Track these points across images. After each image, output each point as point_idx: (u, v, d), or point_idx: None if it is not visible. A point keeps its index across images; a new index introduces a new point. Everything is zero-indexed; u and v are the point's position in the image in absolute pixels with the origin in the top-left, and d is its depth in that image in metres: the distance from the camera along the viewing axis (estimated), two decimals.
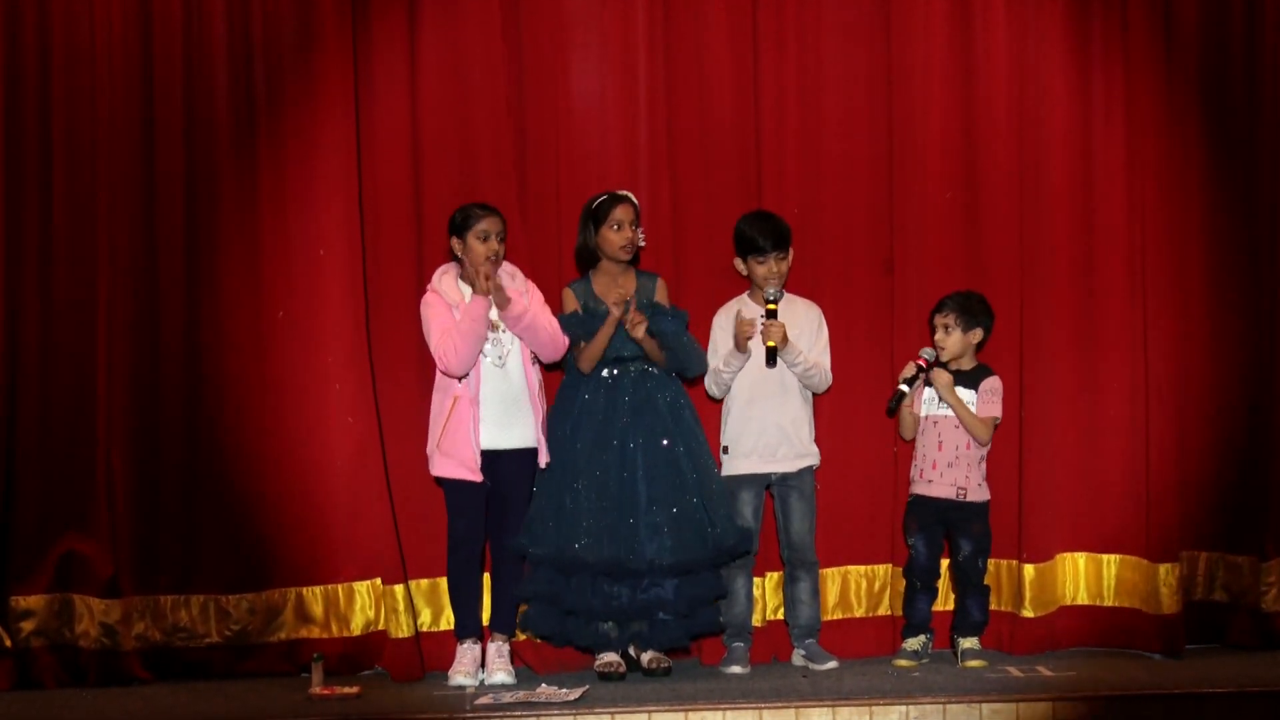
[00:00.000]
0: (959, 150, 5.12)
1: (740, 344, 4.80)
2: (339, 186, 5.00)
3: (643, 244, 4.92)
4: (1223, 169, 5.13)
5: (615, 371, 4.80)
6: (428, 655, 4.92)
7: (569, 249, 5.03)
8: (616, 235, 4.82)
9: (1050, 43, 5.08)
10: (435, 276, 4.81)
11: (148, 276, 5.01)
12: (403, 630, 4.89)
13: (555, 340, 4.74)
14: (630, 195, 4.88)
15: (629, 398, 4.78)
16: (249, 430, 5.00)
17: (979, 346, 4.94)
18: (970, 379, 4.88)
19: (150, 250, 5.02)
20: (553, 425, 4.82)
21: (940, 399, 4.86)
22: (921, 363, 4.83)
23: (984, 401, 4.85)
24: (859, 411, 5.06)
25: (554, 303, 4.90)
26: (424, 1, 5.06)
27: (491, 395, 4.71)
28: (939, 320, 4.89)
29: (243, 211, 5.03)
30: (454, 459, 4.69)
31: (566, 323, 4.80)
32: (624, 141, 5.13)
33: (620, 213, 4.82)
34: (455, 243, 4.76)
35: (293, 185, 5.02)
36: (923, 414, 4.92)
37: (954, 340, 4.88)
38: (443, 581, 4.91)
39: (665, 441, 4.74)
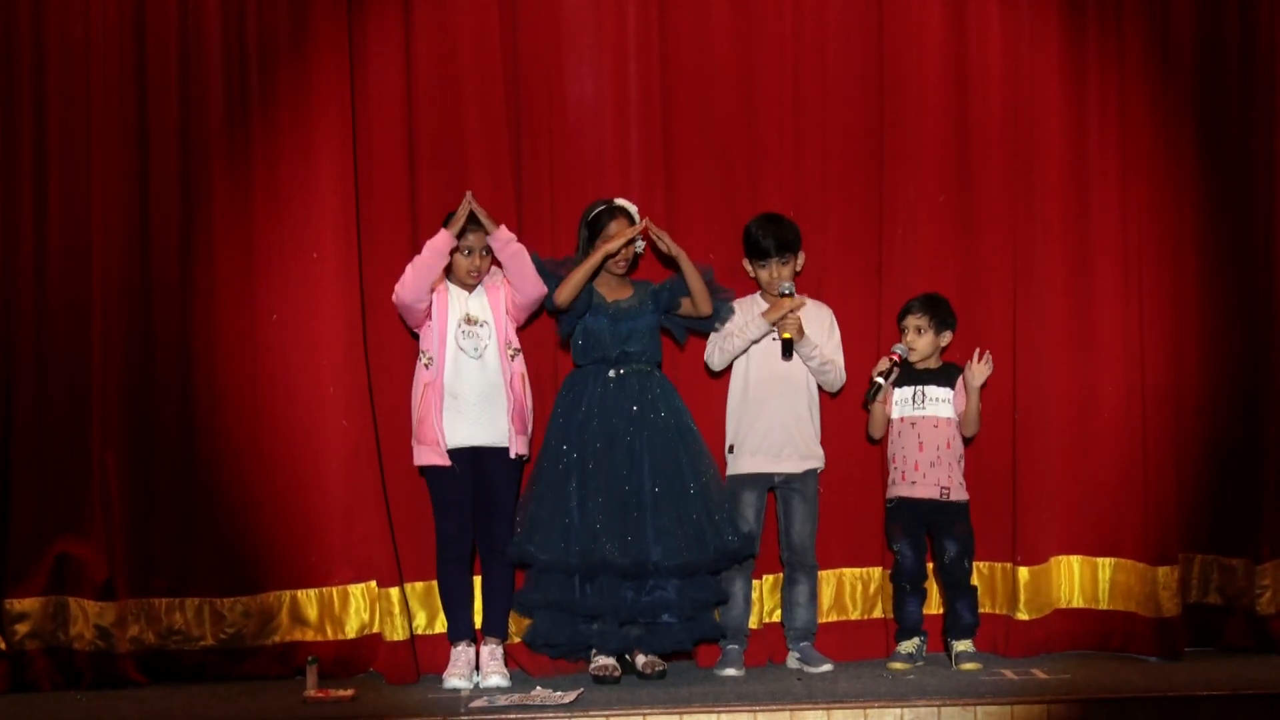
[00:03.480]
0: (953, 152, 5.12)
1: (773, 320, 4.77)
2: (334, 188, 4.99)
3: (641, 252, 4.92)
4: (1217, 172, 5.14)
5: (622, 372, 4.80)
6: (423, 658, 4.92)
7: (563, 252, 5.03)
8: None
9: (1045, 47, 5.08)
10: None
11: (142, 278, 5.01)
12: (398, 633, 4.88)
13: (539, 277, 4.74)
14: (626, 205, 4.87)
15: (634, 399, 4.78)
16: (243, 433, 4.99)
17: (945, 349, 4.95)
18: (941, 377, 4.90)
19: (144, 252, 5.01)
20: (554, 426, 4.81)
21: (922, 399, 4.87)
22: (895, 358, 4.84)
23: (961, 395, 4.87)
24: (852, 413, 5.06)
25: None
26: (419, 3, 5.06)
27: (469, 388, 4.72)
28: (911, 322, 4.90)
29: (237, 213, 5.02)
30: (425, 445, 4.73)
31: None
32: (617, 144, 5.12)
33: (614, 228, 4.81)
34: None
35: (287, 186, 5.02)
36: (897, 415, 4.92)
37: (925, 342, 4.89)
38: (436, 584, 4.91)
39: (669, 444, 4.74)
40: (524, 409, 4.80)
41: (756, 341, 4.86)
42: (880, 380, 4.83)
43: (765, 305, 4.91)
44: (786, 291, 4.81)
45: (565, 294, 4.76)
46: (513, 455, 4.75)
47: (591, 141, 5.14)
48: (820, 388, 4.96)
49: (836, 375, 4.92)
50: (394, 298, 4.74)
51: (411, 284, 4.68)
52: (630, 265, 4.91)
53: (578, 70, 5.15)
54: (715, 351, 4.93)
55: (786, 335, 4.79)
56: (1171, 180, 5.08)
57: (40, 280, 4.99)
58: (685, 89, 5.13)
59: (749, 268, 4.93)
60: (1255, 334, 5.12)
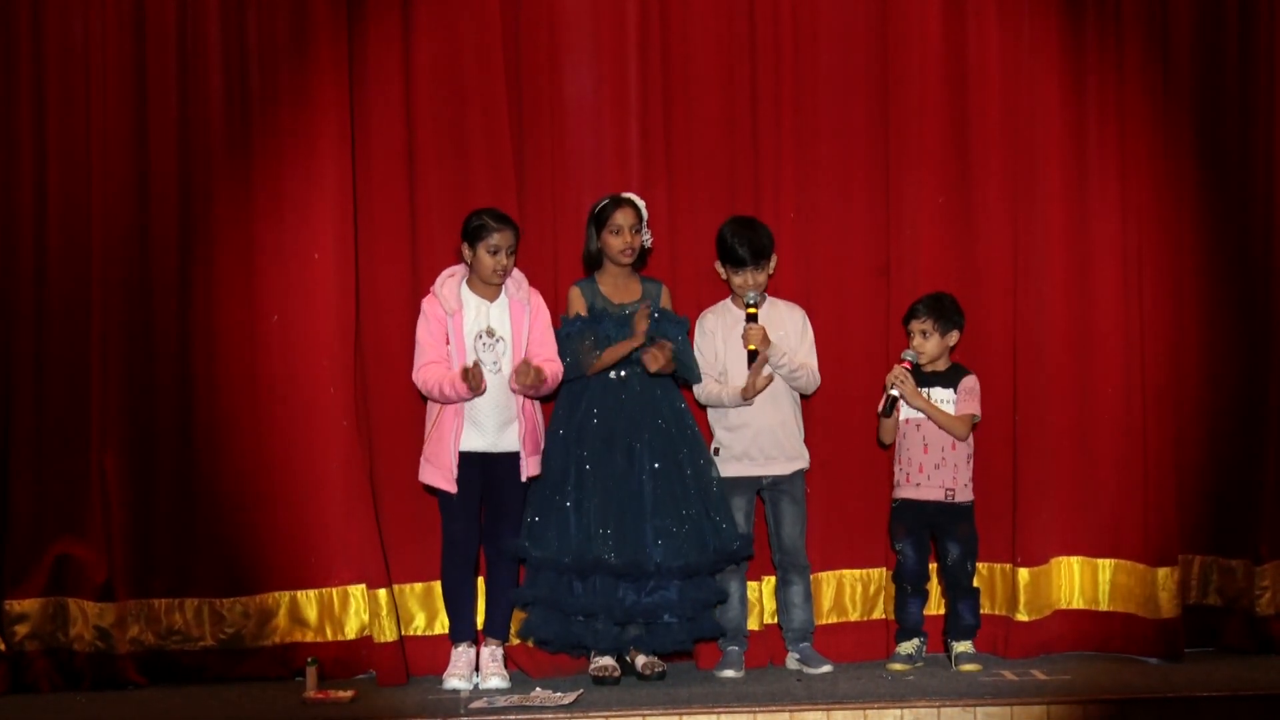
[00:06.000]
0: (953, 154, 5.11)
1: (747, 395, 4.79)
2: (335, 188, 4.98)
3: (649, 245, 4.92)
4: (1216, 172, 5.13)
5: (623, 373, 4.80)
6: (422, 659, 4.92)
7: (564, 252, 5.04)
8: (615, 239, 4.82)
9: (1044, 50, 5.07)
10: (439, 280, 4.78)
11: (141, 279, 5.01)
12: (385, 635, 4.87)
13: (556, 382, 4.74)
14: (633, 198, 4.88)
15: (634, 400, 4.78)
16: (243, 434, 4.99)
17: (954, 348, 4.95)
18: (947, 379, 4.89)
19: (144, 253, 5.01)
20: (555, 425, 4.82)
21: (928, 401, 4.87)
22: (907, 366, 4.83)
23: (963, 400, 4.86)
24: (854, 414, 5.06)
25: (554, 303, 4.91)
26: (418, 4, 5.06)
27: (487, 401, 4.69)
28: (916, 326, 4.89)
29: (236, 214, 5.02)
30: (433, 465, 4.71)
31: (569, 326, 4.79)
32: (618, 144, 5.12)
33: (620, 217, 4.82)
34: (465, 249, 4.75)
35: (287, 188, 5.02)
36: (903, 417, 4.91)
37: (933, 344, 4.89)
38: (437, 585, 4.90)
39: (669, 445, 4.74)
40: (537, 427, 4.78)
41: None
42: (895, 393, 4.82)
43: (735, 311, 4.90)
44: (752, 302, 4.80)
45: (592, 373, 4.79)
46: (524, 478, 4.72)
47: (592, 140, 5.14)
48: None
49: (809, 379, 4.91)
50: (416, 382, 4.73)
51: (429, 392, 4.68)
52: (638, 258, 4.89)
53: (578, 69, 5.15)
54: (702, 396, 4.93)
55: (751, 347, 4.78)
56: (1171, 180, 5.08)
57: (40, 280, 4.99)
58: (686, 88, 5.12)
59: (721, 270, 4.93)
60: (1255, 333, 5.11)
